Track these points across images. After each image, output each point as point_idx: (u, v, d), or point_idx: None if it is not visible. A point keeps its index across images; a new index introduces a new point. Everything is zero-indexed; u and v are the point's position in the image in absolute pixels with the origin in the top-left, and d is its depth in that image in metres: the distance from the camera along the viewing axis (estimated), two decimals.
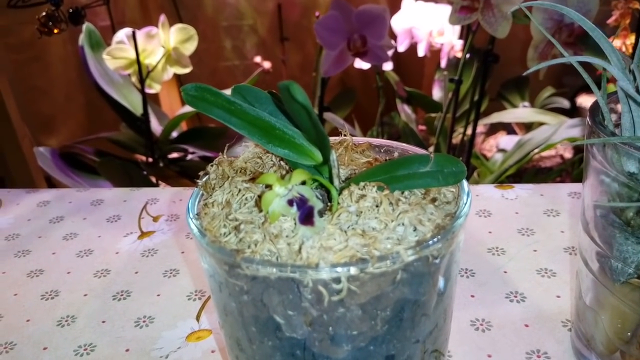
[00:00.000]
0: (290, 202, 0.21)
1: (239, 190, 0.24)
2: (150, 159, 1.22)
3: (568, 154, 1.35)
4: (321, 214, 0.23)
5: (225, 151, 0.27)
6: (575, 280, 0.31)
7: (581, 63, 0.25)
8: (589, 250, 0.28)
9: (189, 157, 1.34)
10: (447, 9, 1.21)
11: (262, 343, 0.23)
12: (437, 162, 0.23)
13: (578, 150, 1.31)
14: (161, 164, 1.27)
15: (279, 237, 0.21)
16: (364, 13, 0.89)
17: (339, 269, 0.19)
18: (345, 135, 0.29)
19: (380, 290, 0.20)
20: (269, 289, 0.21)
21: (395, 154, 0.29)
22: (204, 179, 0.26)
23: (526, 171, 1.32)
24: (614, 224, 0.26)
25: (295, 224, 0.21)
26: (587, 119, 0.27)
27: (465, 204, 0.23)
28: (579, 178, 1.17)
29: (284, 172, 0.26)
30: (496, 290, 0.36)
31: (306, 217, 0.21)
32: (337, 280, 0.20)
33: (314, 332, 0.21)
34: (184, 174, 1.24)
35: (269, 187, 0.21)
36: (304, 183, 0.22)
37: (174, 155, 1.32)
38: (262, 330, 0.22)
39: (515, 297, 0.36)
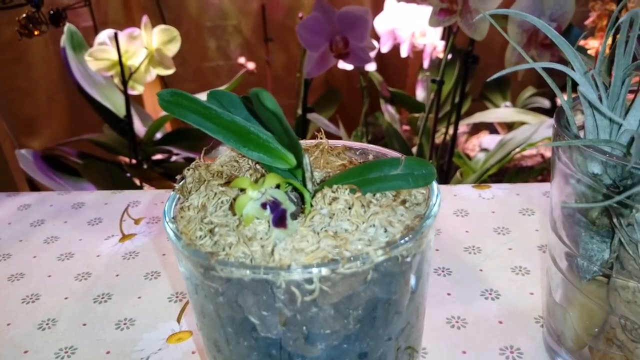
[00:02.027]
0: (263, 205, 0.22)
1: (215, 194, 0.24)
2: (133, 161, 1.21)
3: (549, 153, 1.37)
4: (295, 216, 0.23)
5: (202, 154, 0.28)
6: (546, 278, 0.32)
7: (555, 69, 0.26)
8: (557, 249, 0.29)
9: (173, 158, 1.33)
10: (429, 10, 1.22)
11: (239, 343, 0.23)
12: (407, 165, 0.24)
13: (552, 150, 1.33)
14: (145, 166, 1.26)
15: (253, 239, 0.21)
16: (346, 15, 0.89)
17: (310, 270, 0.20)
18: (321, 138, 0.30)
19: (351, 290, 0.21)
20: (244, 291, 0.21)
21: (370, 157, 0.30)
22: (181, 183, 0.26)
23: (508, 170, 1.34)
24: (579, 223, 0.27)
25: (269, 226, 0.22)
26: (553, 122, 0.28)
27: (435, 205, 0.24)
28: None
29: (259, 176, 0.26)
30: (472, 288, 0.37)
31: (279, 219, 0.21)
32: (310, 281, 0.20)
33: (288, 331, 0.22)
34: (168, 176, 1.23)
35: (243, 190, 0.22)
36: (278, 187, 0.22)
37: (158, 156, 1.32)
38: (238, 330, 0.23)
39: (490, 294, 0.37)
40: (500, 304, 0.36)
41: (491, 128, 1.52)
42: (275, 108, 0.19)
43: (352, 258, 0.20)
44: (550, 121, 1.15)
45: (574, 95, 0.27)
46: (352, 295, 0.21)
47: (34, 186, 1.25)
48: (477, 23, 0.69)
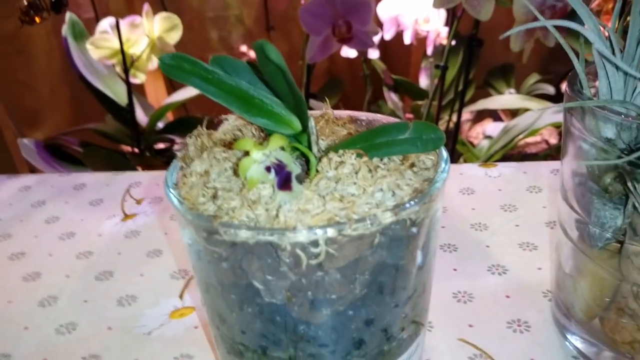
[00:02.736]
0: (268, 169, 0.21)
1: (218, 160, 0.24)
2: (136, 150, 1.21)
3: (553, 140, 1.36)
4: (300, 180, 0.23)
5: (204, 124, 0.27)
6: (555, 251, 0.31)
7: (561, 55, 0.25)
8: (568, 219, 0.28)
9: (176, 147, 1.33)
10: None
11: (242, 310, 0.23)
12: (415, 129, 0.23)
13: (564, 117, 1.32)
14: (147, 155, 1.26)
15: (257, 203, 0.21)
16: None
17: (316, 231, 0.19)
18: (326, 109, 0.29)
19: (358, 254, 0.21)
20: (248, 255, 0.21)
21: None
22: (183, 151, 0.26)
23: (512, 157, 1.33)
24: (592, 190, 0.26)
25: (273, 191, 0.21)
26: (565, 87, 0.27)
27: (444, 170, 0.23)
28: None
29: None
30: (478, 263, 0.37)
31: (284, 182, 0.21)
32: (315, 244, 0.20)
33: (293, 297, 0.21)
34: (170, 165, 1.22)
35: (246, 153, 0.21)
36: (283, 149, 0.22)
37: (161, 145, 1.31)
38: (242, 297, 0.22)
39: (497, 269, 0.36)
40: (508, 278, 0.35)
41: (495, 115, 1.51)
42: (280, 61, 0.18)
43: (360, 219, 0.20)
44: (556, 107, 1.13)
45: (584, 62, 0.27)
46: (358, 260, 0.21)
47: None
48: (481, 3, 0.68)
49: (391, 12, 1.26)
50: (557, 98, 1.43)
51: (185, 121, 1.34)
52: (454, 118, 1.07)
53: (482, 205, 0.43)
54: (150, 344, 0.33)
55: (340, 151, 0.23)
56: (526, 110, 1.26)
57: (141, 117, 1.32)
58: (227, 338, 0.25)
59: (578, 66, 0.26)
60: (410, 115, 1.48)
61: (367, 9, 0.90)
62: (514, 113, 1.42)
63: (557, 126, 1.12)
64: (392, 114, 1.25)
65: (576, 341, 0.30)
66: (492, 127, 1.45)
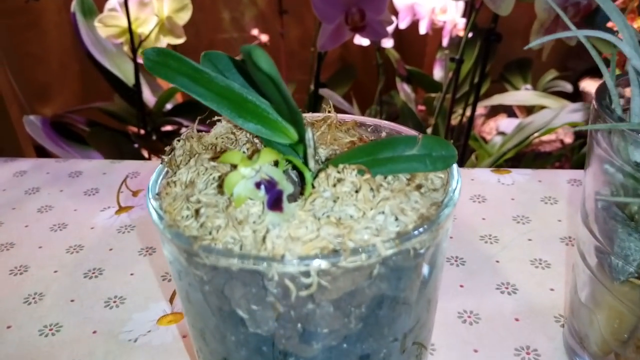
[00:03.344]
0: (257, 185, 0.19)
1: (206, 169, 0.22)
2: (142, 131, 1.19)
3: (568, 139, 1.32)
4: (294, 198, 0.21)
5: (196, 123, 0.25)
6: (572, 274, 0.29)
7: (581, 51, 0.23)
8: (588, 244, 0.26)
9: (183, 130, 1.31)
10: None
11: (226, 338, 0.21)
12: (425, 145, 0.21)
13: (578, 135, 1.28)
14: (154, 137, 1.24)
15: (244, 223, 0.19)
16: None
17: (307, 262, 0.17)
18: (329, 112, 0.27)
19: (354, 286, 0.18)
20: (231, 281, 0.19)
21: (383, 134, 0.27)
22: (170, 155, 0.24)
23: (525, 155, 1.30)
24: (616, 217, 0.24)
25: (263, 208, 0.19)
26: (593, 101, 0.24)
27: (454, 191, 0.21)
28: (578, 164, 1.15)
29: (256, 151, 0.23)
30: (487, 280, 0.35)
31: (274, 202, 0.19)
32: (306, 274, 0.17)
33: (281, 328, 0.19)
34: None
35: (234, 166, 0.19)
36: (277, 164, 0.20)
37: (168, 128, 1.29)
38: (226, 324, 0.20)
39: (507, 288, 0.34)
40: (517, 299, 0.33)
41: (509, 111, 1.47)
42: (271, 70, 0.16)
43: (356, 250, 0.17)
44: (573, 106, 1.10)
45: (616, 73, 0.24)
46: (354, 292, 0.19)
47: (41, 153, 1.24)
48: None
49: (407, 0, 1.22)
50: (574, 96, 1.39)
51: (194, 104, 1.31)
52: (468, 112, 1.03)
53: (493, 215, 0.41)
54: (135, 352, 0.31)
55: (340, 166, 0.21)
56: (542, 107, 1.23)
57: (149, 97, 1.31)
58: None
59: (608, 79, 0.23)
60: (422, 108, 1.45)
61: None
62: (529, 110, 1.39)
63: (573, 126, 1.08)
64: (404, 105, 1.23)
65: None
66: (506, 123, 1.42)
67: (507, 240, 0.38)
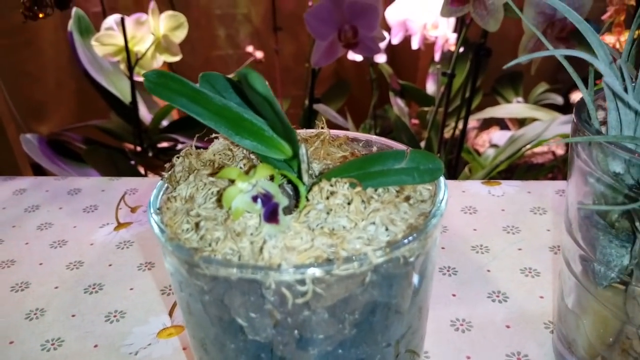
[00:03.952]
0: (254, 198, 0.20)
1: (204, 184, 0.23)
2: (138, 148, 1.20)
3: (560, 151, 1.34)
4: (289, 211, 0.22)
5: (194, 141, 0.26)
6: (558, 281, 0.30)
7: (573, 60, 0.24)
8: (572, 252, 0.27)
9: (179, 147, 1.32)
10: (441, 1, 1.20)
11: (226, 345, 0.21)
12: (412, 159, 0.22)
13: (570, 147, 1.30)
14: (150, 154, 1.25)
15: (242, 235, 0.20)
16: (355, 3, 0.87)
17: (303, 271, 0.18)
18: (322, 128, 0.28)
19: (348, 293, 0.19)
20: (231, 290, 0.20)
21: (374, 149, 0.28)
22: (169, 172, 0.25)
23: (518, 167, 1.31)
24: (597, 225, 0.25)
25: (260, 221, 0.20)
26: (573, 116, 0.26)
27: (441, 202, 0.22)
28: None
29: (252, 166, 0.25)
30: (478, 289, 0.35)
31: (270, 214, 0.20)
32: (302, 282, 0.18)
33: (279, 335, 0.20)
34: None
35: (232, 181, 0.20)
36: (272, 178, 0.21)
37: (164, 144, 1.31)
38: (226, 332, 0.21)
39: (498, 296, 0.35)
40: (508, 307, 0.34)
41: (502, 124, 1.49)
42: (266, 91, 0.17)
43: (348, 258, 0.18)
44: (563, 118, 1.12)
45: (594, 89, 0.25)
46: (348, 299, 0.20)
47: (38, 171, 1.24)
48: (490, 14, 0.66)
49: (400, 16, 1.24)
50: (565, 108, 1.41)
51: (191, 120, 1.32)
52: (460, 125, 1.05)
53: (484, 226, 0.42)
54: None
55: (333, 179, 0.22)
56: (533, 119, 1.25)
57: (145, 114, 1.32)
58: None
59: (586, 95, 0.24)
60: (415, 121, 1.47)
61: (374, 14, 0.88)
62: (521, 122, 1.41)
63: (562, 137, 1.10)
64: (398, 119, 1.24)
65: None
66: (498, 136, 1.43)
67: (497, 250, 0.39)
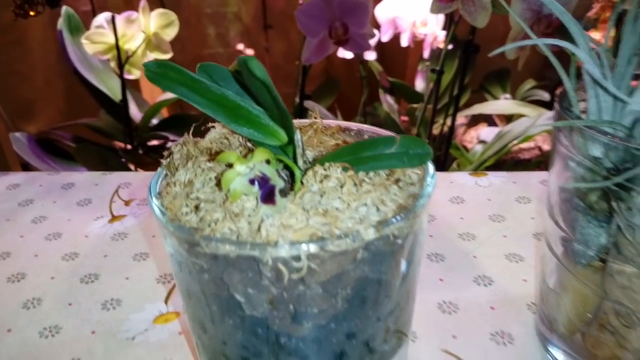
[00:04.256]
0: (252, 181, 0.21)
1: (202, 170, 0.24)
2: (129, 146, 1.20)
3: (546, 146, 1.36)
4: (285, 193, 0.23)
5: (191, 131, 0.27)
6: (540, 264, 0.31)
7: (558, 57, 0.25)
8: (553, 235, 0.28)
9: (169, 144, 1.32)
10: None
11: (224, 322, 0.22)
12: (402, 144, 0.23)
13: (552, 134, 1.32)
14: (140, 151, 1.25)
15: (240, 216, 0.21)
16: (345, 1, 0.88)
17: (298, 247, 0.19)
18: (315, 118, 0.29)
19: (340, 269, 0.20)
20: (229, 268, 0.21)
21: (366, 137, 0.29)
22: (168, 159, 0.26)
23: (505, 162, 1.33)
24: (577, 207, 0.26)
25: (257, 203, 0.21)
26: (555, 104, 0.27)
27: (429, 185, 0.23)
28: None
29: (248, 152, 0.25)
30: (465, 274, 0.37)
31: (267, 195, 0.21)
32: (297, 258, 0.19)
33: (275, 310, 0.21)
34: None
35: (230, 165, 0.21)
36: (268, 162, 0.22)
37: (154, 142, 1.31)
38: (224, 309, 0.22)
39: (483, 281, 0.36)
40: (493, 290, 0.35)
41: (490, 120, 1.51)
42: (265, 77, 0.18)
43: (342, 235, 0.19)
44: (550, 113, 1.14)
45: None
46: (341, 274, 0.21)
47: (28, 170, 1.24)
48: (478, 10, 0.68)
49: (389, 14, 1.26)
50: (552, 104, 1.43)
51: (180, 118, 1.33)
52: (449, 122, 1.07)
53: (471, 215, 0.43)
54: (134, 349, 0.32)
55: (326, 164, 0.23)
56: (521, 116, 1.27)
57: (135, 112, 1.32)
58: (208, 347, 0.25)
59: (567, 84, 0.26)
60: (405, 118, 1.48)
61: (364, 11, 0.89)
62: (508, 118, 1.43)
63: (550, 133, 1.12)
64: (387, 116, 1.26)
65: (558, 355, 0.30)
66: (486, 132, 1.45)
67: (483, 238, 0.40)
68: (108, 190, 0.50)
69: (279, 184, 0.21)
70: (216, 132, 0.27)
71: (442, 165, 1.09)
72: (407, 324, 0.26)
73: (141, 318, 0.35)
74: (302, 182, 0.22)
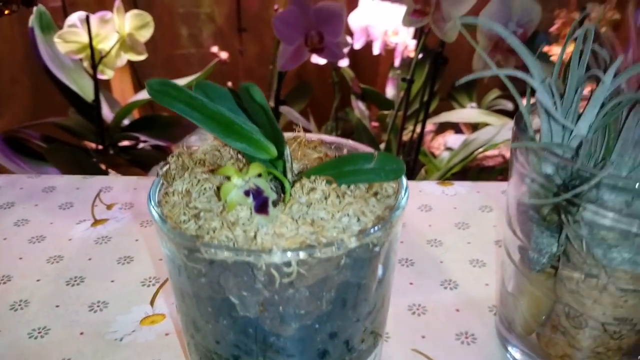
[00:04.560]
0: (246, 193, 0.23)
1: (199, 181, 0.26)
2: (99, 146, 1.20)
3: (509, 154, 1.42)
4: (275, 204, 0.25)
5: (184, 142, 0.29)
6: (500, 270, 0.35)
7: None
8: (511, 243, 0.32)
9: (140, 145, 1.32)
10: (402, 10, 1.25)
11: (217, 322, 0.25)
12: (379, 160, 0.26)
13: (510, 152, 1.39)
14: (111, 152, 1.25)
15: (235, 224, 0.23)
16: (321, 10, 0.91)
17: (289, 254, 0.21)
18: (299, 132, 0.32)
19: (326, 274, 0.23)
20: (226, 272, 0.23)
21: (345, 151, 0.32)
22: (164, 169, 0.27)
23: (470, 169, 1.38)
24: (532, 219, 0.29)
25: (250, 212, 0.23)
26: (513, 125, 0.30)
27: (403, 198, 0.26)
28: None
29: (241, 165, 0.28)
30: (433, 278, 0.40)
31: (261, 206, 0.23)
32: (288, 264, 0.22)
33: (266, 311, 0.23)
34: (135, 163, 1.22)
35: (227, 178, 0.23)
36: (259, 175, 0.24)
37: (125, 143, 1.30)
38: (218, 310, 0.24)
39: (449, 284, 0.39)
40: (458, 293, 0.38)
41: (456, 128, 1.57)
42: (263, 101, 0.20)
43: (328, 244, 0.22)
44: (512, 124, 1.19)
45: (532, 101, 0.30)
46: (325, 279, 0.23)
47: None
48: (447, 26, 0.71)
49: (362, 22, 1.29)
50: (514, 113, 1.50)
51: (151, 119, 1.33)
52: (418, 129, 1.11)
53: (438, 223, 0.46)
54: (122, 350, 0.34)
55: (312, 177, 0.25)
56: (486, 124, 1.32)
57: (106, 112, 1.31)
58: (200, 346, 0.27)
59: (523, 108, 0.29)
60: (376, 124, 1.52)
61: (339, 21, 0.92)
62: (474, 126, 1.49)
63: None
64: (359, 122, 1.29)
65: (516, 353, 0.33)
66: (453, 139, 1.51)
67: (450, 244, 0.44)
68: (89, 194, 0.52)
69: (272, 196, 0.23)
70: (209, 145, 0.29)
71: (411, 171, 1.13)
72: (382, 325, 0.29)
73: (128, 320, 0.36)
74: (290, 194, 0.25)
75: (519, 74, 0.26)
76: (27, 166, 1.13)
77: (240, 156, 0.29)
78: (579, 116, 0.27)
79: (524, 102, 0.29)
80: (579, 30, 0.26)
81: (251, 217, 0.23)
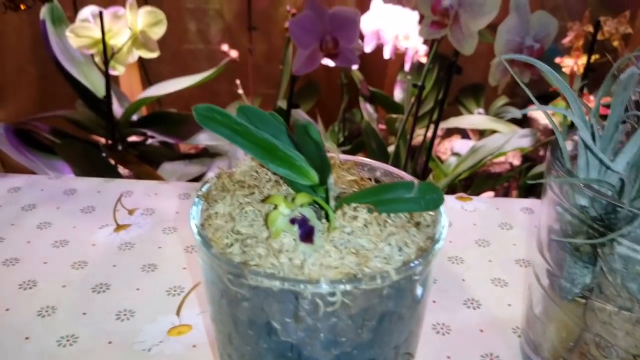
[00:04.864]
0: (292, 221, 0.23)
1: (240, 204, 0.26)
2: (109, 141, 1.20)
3: (517, 162, 1.43)
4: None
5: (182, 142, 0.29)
6: (528, 292, 0.35)
7: (532, 80, 0.29)
8: (541, 268, 0.32)
9: (149, 141, 1.32)
10: (414, 14, 1.25)
11: (257, 345, 0.25)
12: (419, 189, 0.26)
13: (526, 158, 1.39)
14: (120, 147, 1.25)
15: (280, 252, 0.23)
16: (337, 15, 0.91)
17: (336, 285, 0.22)
18: (332, 154, 0.32)
19: (368, 303, 0.23)
20: (269, 298, 0.23)
21: (378, 173, 0.32)
22: (205, 189, 0.28)
23: (477, 175, 1.39)
24: (565, 248, 0.30)
25: (294, 240, 0.24)
26: (548, 153, 0.30)
27: (443, 228, 0.26)
28: (525, 186, 1.24)
29: (282, 189, 0.28)
30: (455, 297, 0.40)
31: (306, 235, 0.23)
32: (333, 294, 0.22)
33: (307, 337, 0.24)
34: (143, 159, 1.23)
35: (274, 206, 0.23)
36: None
37: (133, 138, 1.31)
38: (258, 333, 0.25)
39: (472, 303, 0.40)
40: (481, 313, 0.39)
41: (463, 133, 1.57)
42: (319, 139, 0.21)
43: (373, 276, 0.22)
44: (522, 132, 1.20)
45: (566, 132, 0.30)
46: (368, 308, 0.23)
47: (1, 160, 1.22)
48: (466, 38, 0.71)
49: (373, 25, 1.29)
50: (522, 121, 1.50)
51: (160, 115, 1.33)
52: (429, 134, 1.11)
53: (459, 239, 0.47)
54: None
55: (353, 205, 0.25)
56: (493, 131, 1.33)
57: (115, 107, 1.31)
58: None
59: (560, 139, 0.29)
60: (383, 127, 1.52)
61: (354, 26, 0.92)
62: (481, 132, 1.49)
63: (523, 151, 1.18)
64: (368, 125, 1.29)
65: None
66: (460, 144, 1.51)
67: (470, 262, 0.44)
68: (111, 198, 0.52)
69: (318, 225, 0.23)
70: (246, 165, 0.30)
71: (422, 177, 1.13)
72: (415, 346, 0.29)
73: (155, 330, 0.37)
74: (333, 222, 0.25)
75: (562, 111, 0.26)
76: (35, 159, 1.13)
77: (276, 177, 0.29)
78: (618, 151, 0.27)
79: (559, 129, 0.29)
80: (624, 75, 0.26)
81: (296, 245, 0.23)
